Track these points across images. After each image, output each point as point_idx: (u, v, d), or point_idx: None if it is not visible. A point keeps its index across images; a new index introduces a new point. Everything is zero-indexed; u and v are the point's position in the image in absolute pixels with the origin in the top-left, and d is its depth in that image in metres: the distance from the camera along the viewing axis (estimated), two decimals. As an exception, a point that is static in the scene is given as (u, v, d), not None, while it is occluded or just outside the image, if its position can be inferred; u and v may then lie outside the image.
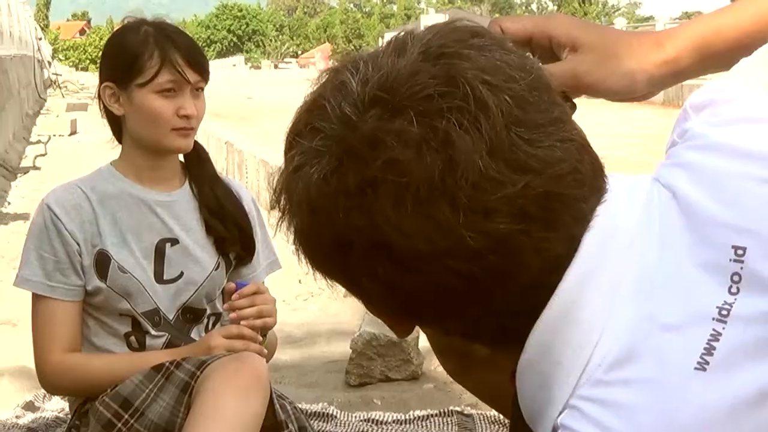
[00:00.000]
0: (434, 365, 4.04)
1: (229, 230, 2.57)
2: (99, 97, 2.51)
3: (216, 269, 2.54)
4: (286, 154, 1.01)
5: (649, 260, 0.97)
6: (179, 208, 2.54)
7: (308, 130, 0.98)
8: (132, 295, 2.45)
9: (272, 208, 1.03)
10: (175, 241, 2.51)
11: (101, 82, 2.49)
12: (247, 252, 2.61)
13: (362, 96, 0.96)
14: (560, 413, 0.96)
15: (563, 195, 0.95)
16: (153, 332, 2.48)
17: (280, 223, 1.03)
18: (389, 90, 0.95)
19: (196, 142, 2.55)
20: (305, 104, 1.02)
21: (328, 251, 1.00)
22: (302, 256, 1.03)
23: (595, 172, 1.00)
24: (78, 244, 2.44)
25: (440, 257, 0.94)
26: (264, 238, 2.68)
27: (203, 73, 2.46)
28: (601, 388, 0.94)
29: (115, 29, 2.58)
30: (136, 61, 2.41)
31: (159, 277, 2.49)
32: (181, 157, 2.58)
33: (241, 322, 2.42)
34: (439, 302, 0.98)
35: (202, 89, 2.48)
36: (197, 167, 2.59)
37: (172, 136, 2.44)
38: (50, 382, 2.51)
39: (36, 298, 2.48)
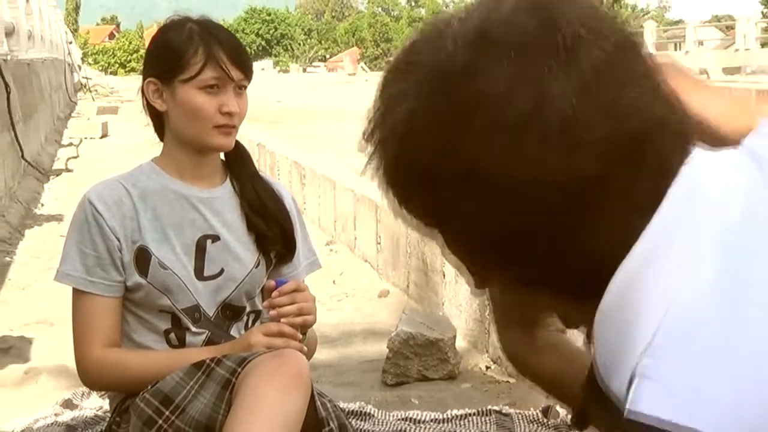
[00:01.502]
0: (471, 365, 4.04)
1: (271, 228, 2.57)
2: (142, 93, 2.52)
3: (256, 267, 2.54)
4: (380, 90, 1.05)
5: (732, 220, 0.97)
6: (220, 205, 2.53)
7: (404, 64, 1.03)
8: (172, 292, 2.45)
9: (366, 141, 1.06)
10: (216, 238, 2.50)
11: (145, 77, 2.50)
12: (288, 250, 2.60)
13: (460, 35, 1.00)
14: (638, 362, 0.94)
15: (651, 143, 0.97)
16: (193, 329, 2.48)
17: (371, 158, 1.05)
18: (485, 32, 0.99)
19: (237, 141, 2.56)
20: (402, 48, 1.06)
21: (417, 184, 1.03)
22: (390, 194, 1.06)
23: (682, 130, 1.01)
24: (118, 240, 2.44)
25: (527, 192, 0.96)
26: (304, 238, 2.68)
27: (246, 72, 2.47)
28: (681, 337, 0.93)
29: (159, 28, 2.59)
30: (181, 57, 2.42)
31: (199, 273, 2.49)
32: (222, 154, 2.59)
33: (281, 320, 2.42)
34: (523, 241, 1.00)
35: (245, 88, 2.49)
36: (238, 165, 2.60)
37: (214, 133, 2.44)
38: (90, 377, 2.52)
39: (76, 293, 2.48)
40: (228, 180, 2.58)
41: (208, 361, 2.32)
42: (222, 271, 2.50)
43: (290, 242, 2.60)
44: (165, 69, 2.45)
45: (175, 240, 2.48)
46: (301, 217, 2.70)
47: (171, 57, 2.44)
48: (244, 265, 2.52)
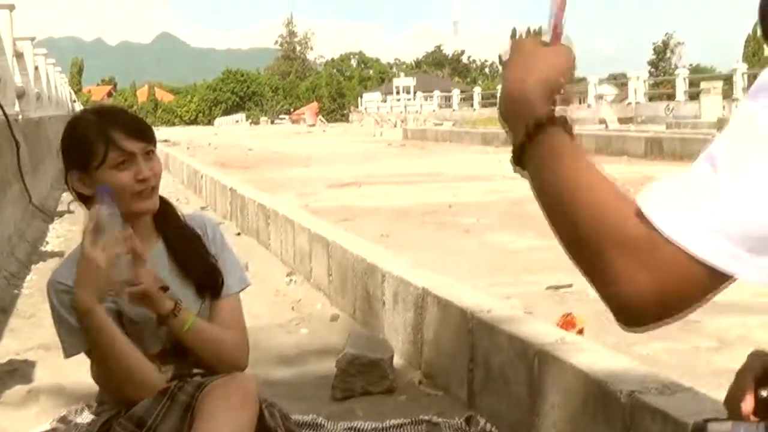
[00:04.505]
0: (407, 379, 4.02)
1: (200, 275, 2.51)
2: (67, 184, 2.48)
3: (202, 305, 2.50)
4: None
5: None
6: (159, 264, 2.48)
7: None
8: (143, 340, 2.41)
9: None
10: (166, 288, 2.43)
11: (67, 171, 2.47)
12: (215, 290, 2.53)
13: None
14: None
15: None
16: (163, 369, 2.43)
17: None
18: None
19: (162, 199, 2.52)
20: None
21: None
22: None
23: None
24: None
25: None
26: (231, 259, 2.61)
27: (147, 140, 2.44)
28: None
29: (66, 125, 2.53)
30: (88, 149, 2.39)
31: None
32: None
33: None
34: None
35: (153, 152, 2.45)
36: (165, 224, 2.54)
37: (136, 200, 2.41)
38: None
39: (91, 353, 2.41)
40: (160, 240, 2.53)
41: (172, 386, 2.32)
42: None
43: (216, 283, 2.53)
44: (80, 161, 2.42)
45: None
46: (224, 241, 2.62)
47: (80, 150, 2.42)
48: (190, 307, 2.46)
